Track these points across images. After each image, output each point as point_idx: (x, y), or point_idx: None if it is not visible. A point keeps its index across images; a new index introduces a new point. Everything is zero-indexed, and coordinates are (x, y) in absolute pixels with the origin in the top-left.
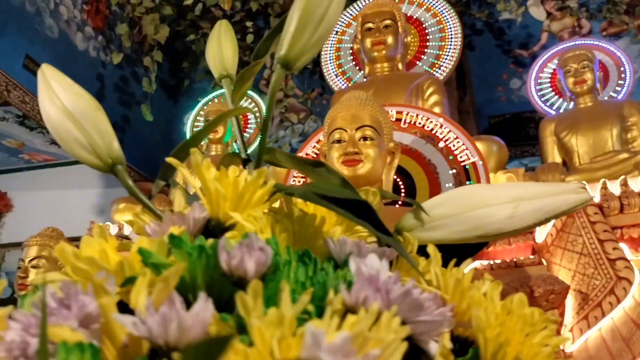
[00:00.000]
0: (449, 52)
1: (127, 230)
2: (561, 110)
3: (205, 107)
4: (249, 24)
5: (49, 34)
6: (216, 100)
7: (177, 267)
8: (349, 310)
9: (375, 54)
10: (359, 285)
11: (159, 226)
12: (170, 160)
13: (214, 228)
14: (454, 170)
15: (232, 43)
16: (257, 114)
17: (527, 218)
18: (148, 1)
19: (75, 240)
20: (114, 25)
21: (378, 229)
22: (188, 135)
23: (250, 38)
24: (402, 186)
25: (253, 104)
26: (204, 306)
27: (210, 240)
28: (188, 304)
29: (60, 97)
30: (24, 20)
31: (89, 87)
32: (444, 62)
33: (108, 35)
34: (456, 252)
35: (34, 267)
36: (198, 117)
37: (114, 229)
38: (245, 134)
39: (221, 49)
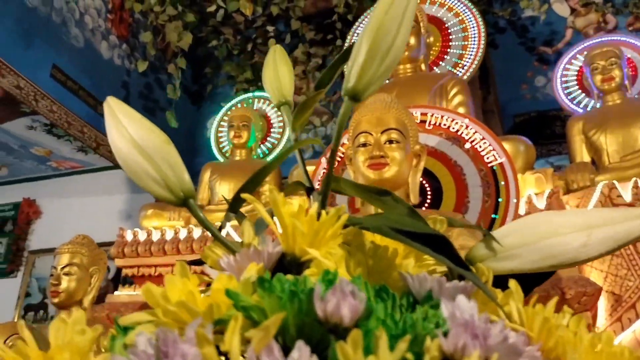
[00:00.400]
0: (472, 51)
1: (156, 236)
2: (588, 108)
3: (229, 112)
4: (270, 28)
5: (75, 44)
6: (239, 105)
7: (277, 316)
8: (445, 357)
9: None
10: (456, 332)
11: (235, 261)
12: (244, 195)
13: (289, 263)
14: (481, 172)
15: (288, 69)
16: (280, 120)
17: (600, 246)
18: (171, 9)
19: (104, 246)
20: (138, 34)
21: (456, 263)
22: (212, 141)
23: (272, 42)
24: (428, 189)
25: (275, 108)
26: (305, 355)
27: (289, 277)
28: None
29: (129, 131)
30: (51, 31)
31: (115, 94)
32: (467, 62)
33: (132, 43)
34: (524, 281)
35: (66, 274)
36: (222, 122)
37: (142, 235)
38: (270, 138)
39: (278, 75)
